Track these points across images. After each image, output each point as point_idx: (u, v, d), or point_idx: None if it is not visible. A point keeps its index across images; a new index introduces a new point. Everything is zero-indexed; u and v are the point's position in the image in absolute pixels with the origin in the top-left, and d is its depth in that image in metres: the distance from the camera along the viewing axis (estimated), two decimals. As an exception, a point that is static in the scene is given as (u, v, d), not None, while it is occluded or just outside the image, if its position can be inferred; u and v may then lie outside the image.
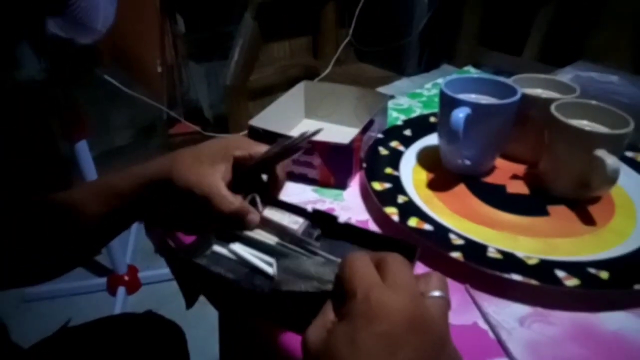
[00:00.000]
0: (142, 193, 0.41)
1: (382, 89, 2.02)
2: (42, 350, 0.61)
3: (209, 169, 0.40)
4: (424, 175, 0.62)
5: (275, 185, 0.44)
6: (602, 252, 0.49)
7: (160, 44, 2.29)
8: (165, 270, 1.49)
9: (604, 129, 0.56)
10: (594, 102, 0.58)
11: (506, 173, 0.64)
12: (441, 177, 0.62)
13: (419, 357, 0.24)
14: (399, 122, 0.73)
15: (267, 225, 0.45)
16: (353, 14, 2.01)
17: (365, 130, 0.64)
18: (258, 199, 0.44)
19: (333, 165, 0.60)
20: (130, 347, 0.65)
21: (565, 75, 0.78)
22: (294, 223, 0.45)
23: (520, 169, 0.65)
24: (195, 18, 2.50)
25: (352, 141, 0.59)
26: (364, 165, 0.61)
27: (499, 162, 0.65)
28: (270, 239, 0.45)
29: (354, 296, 0.26)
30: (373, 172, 0.60)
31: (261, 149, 0.42)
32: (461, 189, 0.60)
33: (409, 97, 0.88)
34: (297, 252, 0.43)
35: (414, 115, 0.79)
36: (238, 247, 0.44)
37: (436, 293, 0.28)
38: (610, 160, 0.50)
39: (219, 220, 0.40)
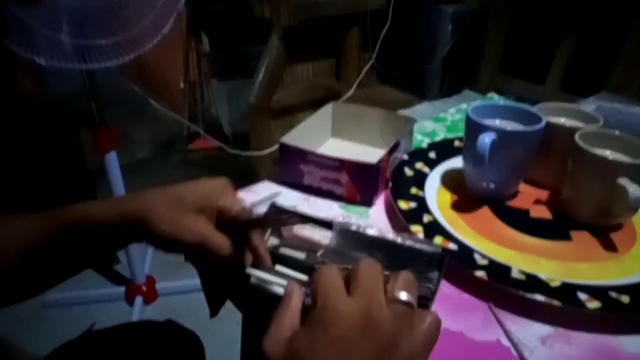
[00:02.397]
0: (108, 235, 0.40)
1: (403, 112, 2.05)
2: (63, 354, 0.63)
3: (195, 216, 0.39)
4: (448, 197, 0.64)
5: (254, 253, 0.42)
6: (624, 278, 0.50)
7: (184, 61, 2.36)
8: (182, 282, 1.52)
9: (627, 158, 0.57)
10: (617, 132, 0.59)
11: (529, 198, 0.65)
12: (465, 199, 0.64)
13: (369, 358, 0.26)
14: (424, 145, 0.75)
15: (298, 241, 0.47)
16: (377, 38, 2.06)
17: (392, 151, 0.66)
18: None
19: (360, 183, 0.62)
20: (150, 354, 0.67)
21: (588, 106, 0.79)
22: (325, 237, 0.47)
23: (543, 194, 0.66)
24: (219, 37, 2.58)
25: (380, 161, 0.62)
26: (390, 184, 0.64)
27: (523, 187, 0.67)
28: (300, 255, 0.46)
29: (315, 304, 0.28)
30: (399, 192, 0.62)
31: (240, 203, 0.42)
32: (485, 211, 0.62)
33: (433, 121, 0.91)
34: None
35: (437, 138, 0.81)
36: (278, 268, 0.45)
37: (401, 295, 0.28)
38: (633, 189, 0.52)
39: (210, 260, 0.40)
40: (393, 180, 0.65)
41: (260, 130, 2.06)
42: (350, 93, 2.02)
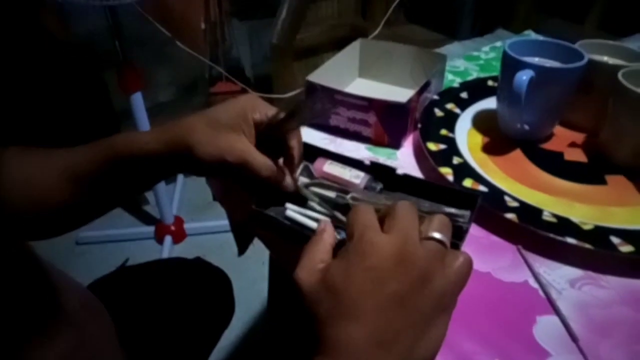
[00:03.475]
0: (152, 164, 0.40)
1: (436, 50, 1.97)
2: (98, 288, 0.66)
3: (235, 135, 0.39)
4: (479, 139, 0.63)
5: (289, 154, 0.42)
6: (660, 223, 0.49)
7: (204, 1, 2.29)
8: (210, 223, 1.56)
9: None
10: (664, 70, 0.56)
11: (564, 140, 0.63)
12: (497, 142, 0.62)
13: (402, 289, 0.26)
14: (456, 85, 0.73)
15: (329, 179, 0.47)
16: (405, -27, 1.95)
17: (422, 91, 0.64)
18: (310, 166, 0.44)
19: (388, 124, 0.61)
20: (181, 289, 0.69)
21: (633, 43, 0.74)
22: (356, 177, 0.46)
23: (579, 137, 0.64)
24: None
25: (409, 101, 0.60)
26: (419, 125, 0.62)
27: (558, 129, 0.64)
28: (331, 194, 0.45)
29: (351, 237, 0.29)
30: (428, 133, 0.61)
31: (273, 109, 0.41)
32: (517, 154, 0.60)
33: (466, 60, 0.87)
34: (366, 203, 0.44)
35: (470, 78, 0.78)
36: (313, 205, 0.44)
37: (435, 234, 0.29)
38: (678, 131, 0.49)
39: (254, 184, 0.40)
40: (422, 121, 0.63)
41: (283, 72, 2.02)
42: (376, 32, 1.95)
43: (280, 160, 0.43)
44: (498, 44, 0.97)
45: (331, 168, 0.49)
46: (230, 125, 0.39)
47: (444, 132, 0.62)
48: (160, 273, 0.71)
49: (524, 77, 0.54)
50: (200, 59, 1.96)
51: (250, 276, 1.18)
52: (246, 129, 0.40)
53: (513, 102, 0.55)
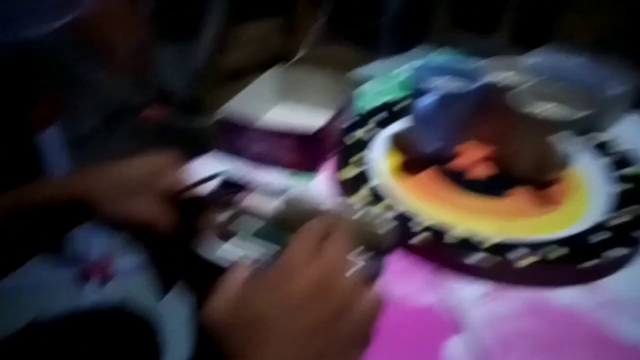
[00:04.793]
0: (56, 217, 0.39)
1: (358, 71, 2.03)
2: (4, 348, 0.59)
3: (139, 199, 0.39)
4: (395, 160, 0.64)
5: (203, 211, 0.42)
6: (557, 232, 0.52)
7: (128, 24, 2.23)
8: (137, 260, 1.48)
9: (564, 112, 0.58)
10: (554, 86, 0.60)
11: (474, 156, 0.66)
12: (411, 161, 0.64)
13: (318, 320, 0.27)
14: (373, 106, 0.75)
15: (249, 211, 0.46)
16: (328, -6, 1.99)
17: (337, 115, 0.65)
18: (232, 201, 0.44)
19: (304, 151, 0.62)
20: (98, 343, 0.63)
21: (534, 58, 0.80)
22: (273, 206, 0.46)
23: (487, 151, 0.67)
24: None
25: (322, 128, 0.61)
26: (335, 150, 0.63)
27: (468, 145, 0.68)
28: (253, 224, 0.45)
29: (270, 269, 0.29)
30: (344, 157, 0.62)
31: (184, 181, 0.41)
32: (431, 172, 0.62)
33: (385, 80, 0.90)
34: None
35: (388, 98, 0.80)
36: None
37: (355, 265, 0.30)
38: (562, 146, 0.53)
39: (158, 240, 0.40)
40: (339, 145, 0.64)
41: (211, 95, 2.00)
42: (302, 53, 1.98)
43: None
44: (417, 61, 1.01)
45: (251, 198, 0.49)
46: (138, 186, 0.39)
47: (359, 155, 0.63)
48: (75, 326, 0.66)
49: (427, 101, 0.56)
50: (126, 84, 1.89)
51: (184, 316, 1.13)
52: (153, 191, 0.39)
53: (419, 125, 0.57)
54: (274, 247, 0.41)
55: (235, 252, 0.42)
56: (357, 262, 0.31)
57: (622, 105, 0.74)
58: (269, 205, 0.47)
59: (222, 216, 0.45)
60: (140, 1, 2.19)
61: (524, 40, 1.98)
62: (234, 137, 0.64)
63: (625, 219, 0.52)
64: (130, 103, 2.28)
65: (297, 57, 2.08)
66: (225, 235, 0.43)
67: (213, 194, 0.45)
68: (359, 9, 2.06)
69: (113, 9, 1.91)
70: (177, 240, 0.41)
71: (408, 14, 2.02)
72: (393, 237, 0.38)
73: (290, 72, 0.77)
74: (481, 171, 0.63)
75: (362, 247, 0.33)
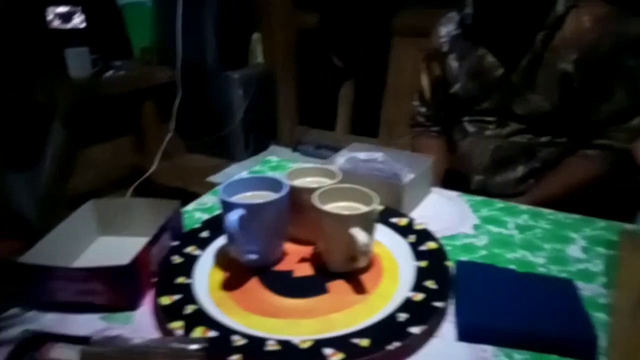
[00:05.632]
0: None
1: (211, 178, 2.07)
2: None
3: None
4: (219, 276, 0.65)
5: None
6: (369, 319, 0.56)
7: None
8: None
9: (360, 207, 0.65)
10: (347, 185, 0.68)
11: (295, 257, 0.69)
12: (236, 275, 0.65)
13: None
14: (198, 225, 0.76)
15: None
16: (172, 108, 2.06)
17: (154, 241, 0.64)
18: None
19: (119, 287, 0.59)
20: None
21: (341, 158, 0.89)
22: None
23: (307, 250, 0.71)
24: (7, 125, 2.30)
25: (135, 258, 0.59)
26: (155, 279, 0.62)
27: (289, 247, 0.71)
28: None
29: None
30: (163, 285, 0.61)
31: None
32: (253, 282, 0.64)
33: (214, 193, 0.92)
34: None
35: (216, 213, 0.82)
36: None
37: None
38: (361, 236, 0.59)
39: None
40: (159, 272, 0.63)
41: (58, 222, 1.85)
42: (154, 167, 1.97)
43: None
44: (256, 167, 1.06)
45: (54, 350, 0.45)
46: None
47: (180, 279, 0.62)
48: None
49: (234, 216, 0.59)
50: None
51: None
52: None
53: (231, 240, 0.59)
54: None
55: None
56: None
57: (418, 190, 0.85)
58: (73, 356, 0.45)
59: None
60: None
61: (360, 130, 2.22)
62: (40, 284, 0.59)
63: (422, 295, 0.58)
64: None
65: (150, 171, 2.06)
66: None
67: (15, 351, 0.41)
68: (207, 119, 2.14)
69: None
70: None
71: (254, 119, 2.16)
72: None
73: (107, 204, 0.76)
74: (304, 271, 0.66)
75: None
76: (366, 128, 2.12)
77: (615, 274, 0.63)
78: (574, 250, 0.70)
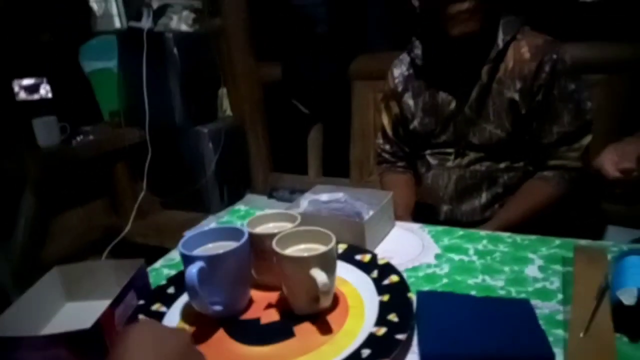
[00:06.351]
0: None
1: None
2: None
3: None
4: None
5: None
6: (335, 358, 0.56)
7: None
8: None
9: (320, 248, 0.67)
10: (306, 228, 0.70)
11: (262, 304, 0.70)
12: (202, 329, 0.65)
13: None
14: (163, 282, 0.76)
15: None
16: (144, 167, 2.07)
17: (117, 302, 0.65)
18: None
19: (83, 352, 0.59)
20: None
21: (304, 201, 0.92)
22: None
23: (274, 296, 0.72)
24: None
25: (97, 321, 0.59)
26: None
27: (256, 294, 0.72)
28: None
29: None
30: (129, 345, 0.60)
31: None
32: (220, 335, 0.64)
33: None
34: None
35: (175, 272, 0.82)
36: None
37: None
38: (320, 277, 0.60)
39: None
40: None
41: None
42: (128, 227, 1.96)
43: None
44: (224, 217, 1.07)
45: None
46: None
47: (146, 338, 0.62)
48: None
49: (193, 269, 0.60)
50: None
51: None
52: None
53: (192, 293, 0.60)
54: None
55: None
56: None
57: (380, 226, 0.87)
58: None
59: None
60: None
61: (331, 172, 2.25)
62: (5, 355, 0.59)
63: (384, 330, 0.59)
64: None
65: (125, 231, 2.05)
66: None
67: None
68: (180, 175, 2.16)
69: None
70: None
71: (228, 169, 2.18)
72: None
73: (72, 270, 0.76)
74: (271, 317, 0.67)
75: None
76: (337, 169, 2.16)
77: (570, 290, 0.65)
78: (531, 270, 0.72)
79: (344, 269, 0.74)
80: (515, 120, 1.05)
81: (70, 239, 2.03)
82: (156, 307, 0.69)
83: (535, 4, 1.72)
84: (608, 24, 1.87)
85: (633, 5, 1.74)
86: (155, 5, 2.01)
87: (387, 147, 1.30)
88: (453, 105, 1.11)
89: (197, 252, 0.66)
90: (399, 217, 0.95)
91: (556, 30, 1.12)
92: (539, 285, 0.69)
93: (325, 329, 0.63)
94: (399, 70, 1.21)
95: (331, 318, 0.65)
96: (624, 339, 0.56)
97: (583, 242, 0.79)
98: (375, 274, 0.72)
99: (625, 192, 0.80)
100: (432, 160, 1.18)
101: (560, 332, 0.59)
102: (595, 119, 1.06)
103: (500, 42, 1.05)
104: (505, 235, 0.84)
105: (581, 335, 0.55)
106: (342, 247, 0.79)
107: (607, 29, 1.79)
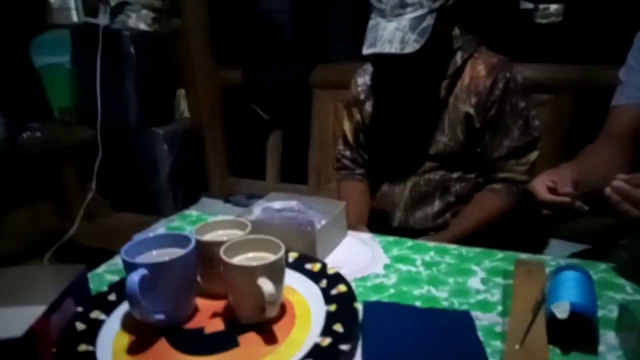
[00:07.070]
0: None
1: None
2: None
3: None
4: (125, 341, 0.62)
5: None
6: (280, 368, 0.56)
7: None
8: None
9: (269, 257, 0.66)
10: (255, 236, 0.69)
11: (207, 312, 0.68)
12: (142, 338, 0.63)
13: None
14: (105, 288, 0.73)
15: None
16: (94, 168, 2.00)
17: (53, 309, 0.62)
18: None
19: (12, 362, 0.56)
20: None
21: (257, 209, 0.91)
22: None
23: (220, 304, 0.70)
24: None
25: (30, 329, 0.56)
26: (54, 350, 0.59)
27: (202, 302, 0.70)
28: None
29: None
30: (63, 355, 0.58)
31: None
32: (161, 344, 0.62)
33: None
34: None
35: (116, 278, 0.79)
36: None
37: None
38: (267, 286, 0.60)
39: None
40: (59, 343, 0.60)
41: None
42: (74, 229, 1.88)
43: None
44: (174, 223, 1.04)
45: None
46: None
47: (82, 347, 0.60)
48: None
49: (135, 277, 0.58)
50: None
51: None
52: None
53: (133, 302, 0.58)
54: None
55: None
56: None
57: (332, 235, 0.88)
58: None
59: None
60: None
61: (290, 178, 2.25)
62: None
63: (329, 340, 0.59)
64: None
65: (71, 232, 1.97)
66: None
67: None
68: (131, 177, 2.10)
69: None
70: None
71: (182, 173, 2.14)
72: None
73: (5, 273, 0.72)
74: (215, 326, 0.66)
75: None
76: (295, 176, 2.16)
77: (510, 303, 0.68)
78: (474, 282, 0.75)
79: (293, 278, 0.73)
80: (469, 133, 1.09)
81: (14, 241, 1.93)
82: (95, 314, 0.67)
83: (493, 24, 1.80)
84: (560, 46, 1.97)
85: (585, 28, 1.83)
86: (113, 2, 1.95)
87: (347, 153, 1.31)
88: (411, 116, 1.13)
89: (140, 259, 0.64)
90: (352, 227, 0.96)
91: (510, 50, 1.17)
92: (480, 297, 0.71)
93: (271, 338, 0.62)
94: (362, 79, 1.23)
95: (277, 328, 0.64)
96: (557, 350, 0.59)
97: (524, 255, 0.82)
98: (324, 283, 0.72)
99: (551, 215, 0.85)
100: (389, 168, 1.20)
101: (498, 343, 0.60)
102: (542, 136, 1.12)
103: (458, 60, 1.08)
104: (452, 247, 0.86)
105: (517, 347, 0.57)
106: (292, 256, 0.78)
107: (559, 51, 1.89)
